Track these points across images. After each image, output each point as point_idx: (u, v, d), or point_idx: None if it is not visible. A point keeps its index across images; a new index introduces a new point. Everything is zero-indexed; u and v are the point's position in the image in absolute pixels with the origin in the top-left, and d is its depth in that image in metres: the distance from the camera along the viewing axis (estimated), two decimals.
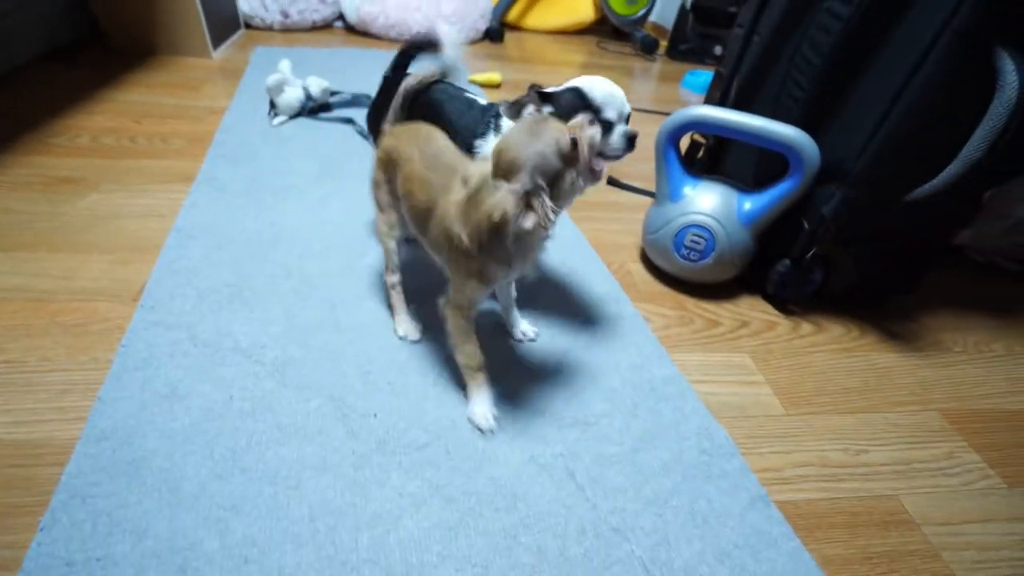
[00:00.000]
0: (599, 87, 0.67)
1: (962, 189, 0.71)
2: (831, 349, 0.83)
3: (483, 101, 0.78)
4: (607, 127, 0.65)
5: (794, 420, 0.71)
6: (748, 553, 0.54)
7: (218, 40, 1.78)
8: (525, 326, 0.77)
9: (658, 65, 2.37)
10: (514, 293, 0.75)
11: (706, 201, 0.84)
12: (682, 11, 2.36)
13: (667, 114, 1.76)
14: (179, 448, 0.57)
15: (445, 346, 0.68)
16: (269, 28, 2.11)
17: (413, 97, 0.80)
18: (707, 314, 0.87)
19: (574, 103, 0.66)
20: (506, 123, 0.72)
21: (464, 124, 0.75)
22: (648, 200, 1.17)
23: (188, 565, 0.47)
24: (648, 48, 2.45)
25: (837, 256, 0.85)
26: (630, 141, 0.67)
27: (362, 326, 0.76)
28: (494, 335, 0.77)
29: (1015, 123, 0.63)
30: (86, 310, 0.73)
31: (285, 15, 2.10)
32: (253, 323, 0.74)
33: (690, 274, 0.89)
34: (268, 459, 0.57)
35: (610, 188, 1.23)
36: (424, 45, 0.76)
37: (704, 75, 2.04)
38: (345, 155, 1.21)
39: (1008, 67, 0.62)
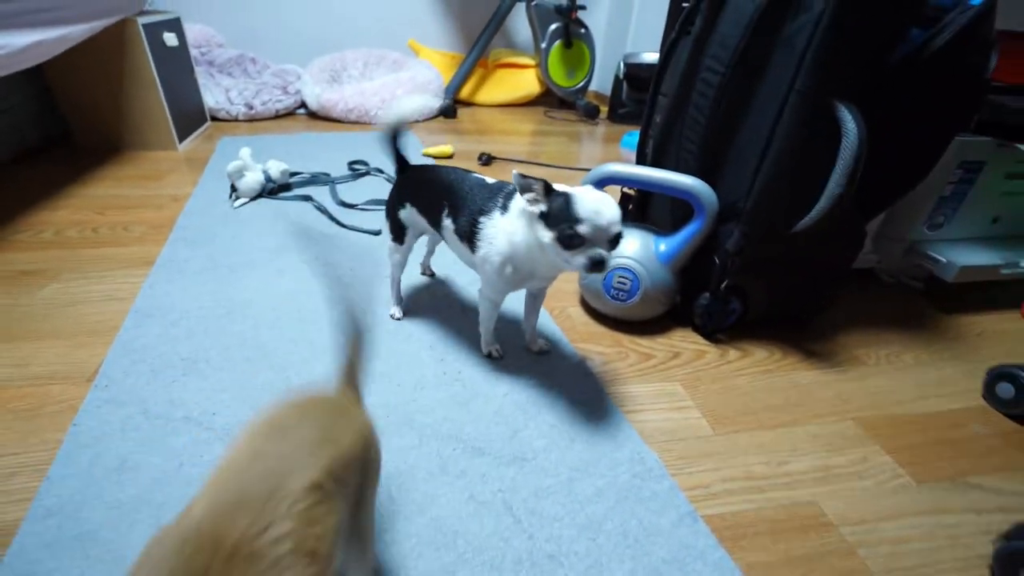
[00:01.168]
0: (589, 200, 0.64)
1: (839, 220, 0.81)
2: (756, 371, 0.90)
3: (491, 180, 0.81)
4: (579, 241, 0.64)
5: (721, 439, 0.76)
6: (676, 567, 0.57)
7: (184, 133, 1.90)
8: (540, 342, 0.90)
9: (601, 128, 2.59)
10: (535, 318, 0.88)
11: (628, 246, 0.93)
12: (616, 80, 2.62)
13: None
14: (126, 518, 0.59)
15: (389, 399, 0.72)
16: (235, 119, 2.26)
17: (419, 178, 0.86)
18: (641, 348, 0.94)
19: (560, 208, 0.65)
20: (516, 201, 0.72)
21: (474, 201, 0.77)
22: None
23: None
24: (590, 114, 2.68)
25: (749, 285, 0.94)
26: (594, 264, 0.64)
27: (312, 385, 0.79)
28: (440, 382, 0.82)
29: (862, 162, 0.74)
30: (39, 395, 0.75)
31: (250, 107, 2.25)
32: (205, 392, 0.77)
33: (621, 312, 0.96)
34: None
35: None
36: (394, 129, 0.84)
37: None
38: (296, 229, 1.29)
39: (847, 117, 0.74)
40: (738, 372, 0.90)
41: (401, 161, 0.88)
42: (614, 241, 0.66)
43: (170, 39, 1.79)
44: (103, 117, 1.73)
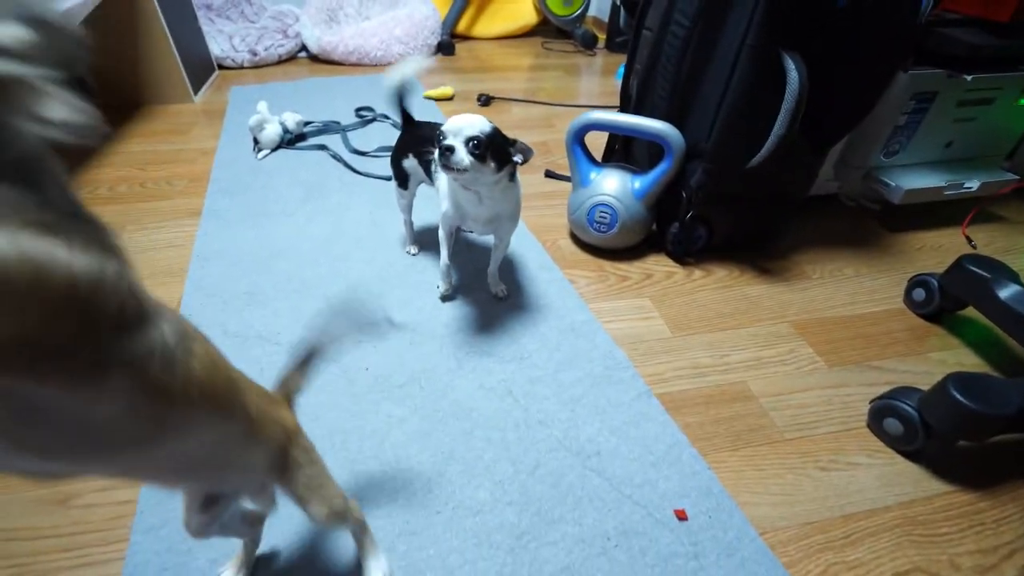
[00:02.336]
0: (450, 122, 0.77)
1: (790, 155, 0.95)
2: (715, 287, 1.08)
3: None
4: (450, 150, 0.74)
5: (677, 340, 0.95)
6: (632, 426, 0.79)
7: (197, 84, 2.00)
8: (499, 288, 1.03)
9: (599, 59, 2.60)
10: (494, 265, 1.00)
11: (608, 184, 1.08)
12: (613, 6, 2.59)
13: (592, 106, 2.00)
14: None
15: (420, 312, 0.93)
16: (240, 67, 2.32)
17: (418, 134, 0.99)
18: (619, 272, 1.12)
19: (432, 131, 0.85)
20: None
21: None
22: None
23: None
24: (588, 44, 2.68)
25: (713, 215, 1.09)
26: (443, 152, 0.74)
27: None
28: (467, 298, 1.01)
29: (803, 106, 0.87)
30: None
31: (253, 53, 2.30)
32: (267, 317, 0.97)
33: (603, 242, 1.13)
34: None
35: (548, 180, 1.47)
36: (400, 89, 0.96)
37: None
38: (322, 179, 1.44)
39: (790, 66, 0.86)
40: (700, 288, 1.08)
41: (406, 117, 1.01)
42: (474, 145, 0.74)
43: None
44: (121, 72, 1.83)
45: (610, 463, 0.74)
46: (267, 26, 2.38)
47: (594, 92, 2.16)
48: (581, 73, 2.40)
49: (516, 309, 1.01)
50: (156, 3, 1.72)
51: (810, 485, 0.73)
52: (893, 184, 1.21)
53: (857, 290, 1.09)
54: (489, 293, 1.04)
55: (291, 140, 1.60)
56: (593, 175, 1.10)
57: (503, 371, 0.88)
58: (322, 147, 1.60)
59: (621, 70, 2.31)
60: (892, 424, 0.76)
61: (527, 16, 2.82)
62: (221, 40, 2.27)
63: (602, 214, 1.09)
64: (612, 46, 2.68)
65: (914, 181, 1.21)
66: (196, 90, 1.98)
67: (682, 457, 0.75)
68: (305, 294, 1.03)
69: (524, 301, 1.03)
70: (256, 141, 1.55)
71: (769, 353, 0.93)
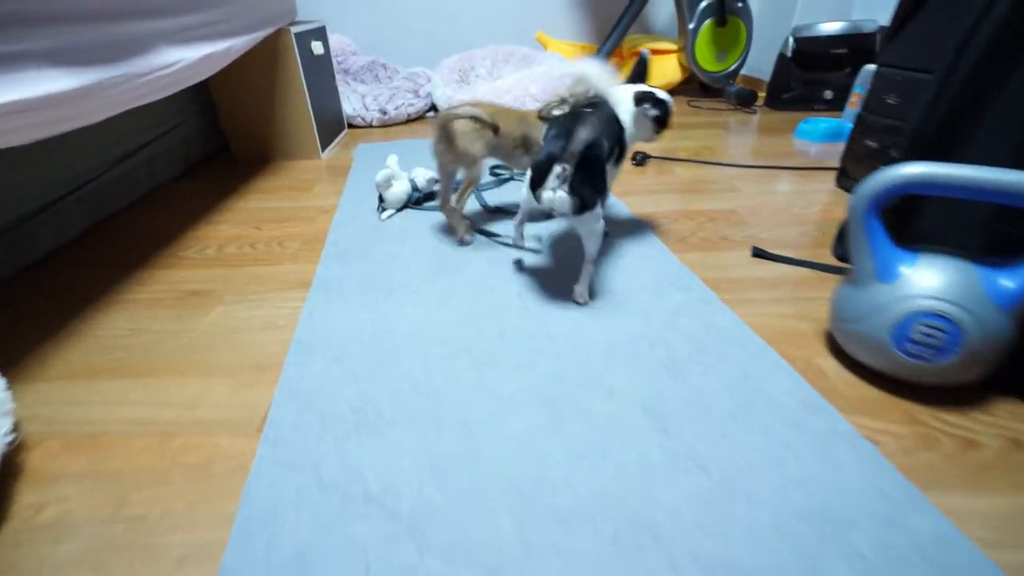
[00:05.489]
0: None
1: None
2: None
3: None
4: None
5: None
6: None
7: (326, 142, 1.89)
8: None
9: (758, 117, 2.22)
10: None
11: (936, 281, 0.64)
12: (781, 59, 2.22)
13: (786, 168, 1.58)
14: None
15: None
16: (369, 125, 2.24)
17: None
18: (955, 430, 0.64)
19: None
20: None
21: None
22: (808, 273, 0.98)
23: None
24: (746, 101, 2.31)
25: None
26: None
27: (506, 456, 0.62)
28: None
29: None
30: (208, 447, 0.66)
31: (383, 112, 2.22)
32: (383, 456, 0.63)
33: (918, 375, 0.67)
34: None
35: (756, 261, 1.06)
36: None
37: (824, 122, 1.85)
38: (452, 245, 1.15)
39: None
40: None
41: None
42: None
43: (317, 48, 1.78)
44: (256, 128, 1.76)
45: None
46: (399, 86, 2.31)
47: (769, 152, 1.75)
48: (743, 132, 2.02)
49: (789, 486, 0.57)
50: (298, 59, 1.63)
51: None
52: None
53: None
54: (729, 452, 0.62)
55: (419, 199, 1.36)
56: (904, 267, 0.67)
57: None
58: None
59: (801, 127, 1.90)
60: None
61: (671, 73, 2.53)
62: (354, 99, 2.21)
63: (929, 331, 0.64)
64: (776, 103, 2.29)
65: None
66: (324, 146, 1.87)
67: None
68: (436, 418, 0.68)
69: (797, 474, 0.59)
70: (381, 199, 1.32)
71: None
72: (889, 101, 1.22)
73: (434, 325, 0.87)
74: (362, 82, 2.46)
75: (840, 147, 1.79)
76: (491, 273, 1.03)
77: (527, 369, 0.76)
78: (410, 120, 2.31)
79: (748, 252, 1.09)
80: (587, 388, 0.72)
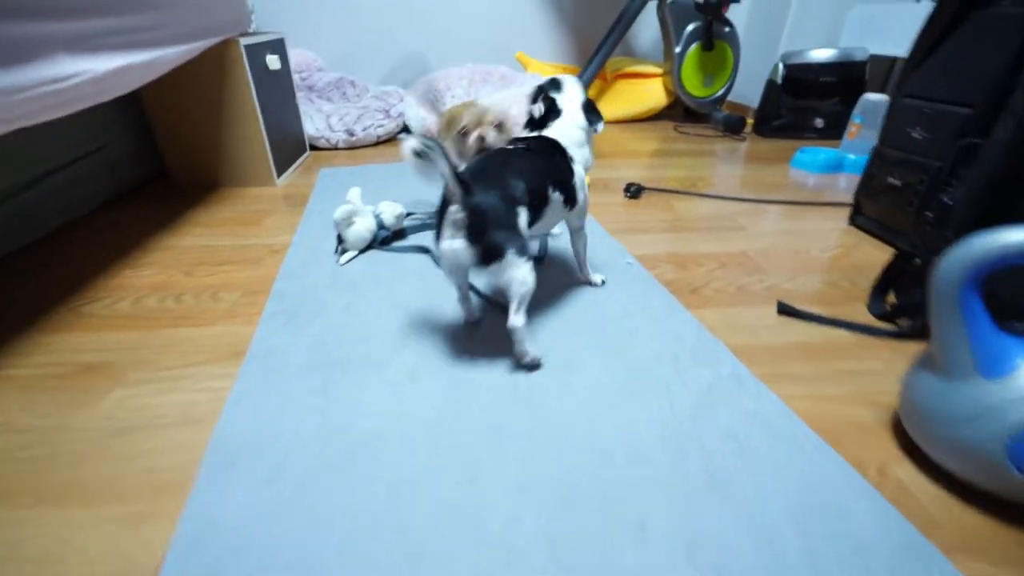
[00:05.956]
0: None
1: None
2: None
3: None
4: None
5: None
6: None
7: (284, 166, 1.68)
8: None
9: (747, 144, 2.12)
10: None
11: None
12: (771, 86, 2.14)
13: (792, 203, 1.46)
14: None
15: None
16: (334, 148, 2.04)
17: None
18: None
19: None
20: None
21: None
22: (848, 336, 0.81)
23: None
24: (734, 127, 2.21)
25: None
26: None
27: None
28: None
29: None
30: None
31: (350, 133, 2.02)
32: None
33: None
34: None
35: (784, 320, 0.90)
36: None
37: (822, 152, 1.75)
38: (426, 297, 0.96)
39: None
40: None
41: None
42: None
43: (273, 62, 1.58)
44: (200, 150, 1.53)
45: None
46: (369, 105, 2.12)
47: (767, 183, 1.63)
48: (735, 161, 1.90)
49: None
50: (249, 74, 1.43)
51: None
52: None
53: None
54: None
55: (386, 239, 1.16)
56: (1021, 359, 0.51)
57: None
58: (423, 249, 1.14)
59: (798, 156, 1.79)
60: None
61: (656, 98, 2.43)
62: (317, 119, 2.01)
63: None
64: (765, 131, 2.20)
65: None
66: (281, 172, 1.65)
67: None
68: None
69: None
70: (340, 240, 1.12)
71: None
72: (914, 135, 1.10)
73: (402, 420, 0.67)
74: (328, 100, 2.26)
75: (839, 179, 1.70)
76: (475, 337, 0.84)
77: (524, 492, 0.57)
78: (380, 142, 2.12)
79: (772, 308, 0.93)
80: (608, 522, 0.54)
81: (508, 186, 0.71)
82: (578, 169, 0.85)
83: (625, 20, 2.18)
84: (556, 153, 0.83)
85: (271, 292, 0.99)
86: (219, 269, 1.09)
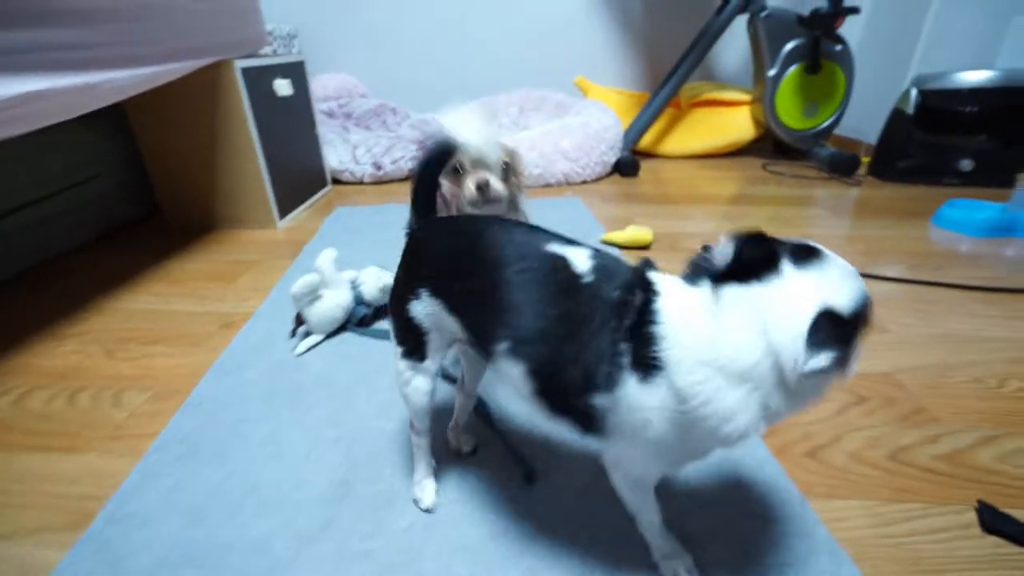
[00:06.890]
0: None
1: None
2: None
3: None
4: None
5: None
6: None
7: (293, 204, 1.46)
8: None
9: (859, 191, 1.65)
10: None
11: None
12: (898, 116, 1.67)
13: (958, 287, 0.99)
14: None
15: None
16: (359, 182, 1.82)
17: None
18: None
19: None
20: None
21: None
22: None
23: None
24: (842, 169, 1.76)
25: None
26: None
27: None
28: None
29: None
30: None
31: (378, 167, 1.79)
32: None
33: None
34: None
35: (991, 540, 0.49)
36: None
37: (984, 208, 1.28)
38: (397, 418, 0.64)
39: None
40: None
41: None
42: None
43: (282, 87, 1.37)
44: (192, 187, 1.34)
45: None
46: (403, 135, 1.89)
47: (903, 249, 1.19)
48: (849, 214, 1.46)
49: None
50: (246, 101, 1.21)
51: None
52: None
53: None
54: None
55: (364, 318, 0.87)
56: None
57: None
58: None
59: (943, 211, 1.33)
60: None
61: (741, 130, 2.02)
62: (343, 150, 1.80)
63: None
64: (887, 173, 1.73)
65: None
66: (289, 211, 1.43)
67: None
68: None
69: None
70: (299, 320, 0.83)
71: None
72: None
73: None
74: (367, 128, 2.06)
75: (1007, 245, 1.22)
76: (461, 502, 0.51)
77: None
78: (408, 177, 1.87)
79: (966, 508, 0.53)
80: None
81: None
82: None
83: (707, 37, 1.81)
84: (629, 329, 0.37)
85: (188, 398, 0.72)
86: (149, 350, 0.84)
